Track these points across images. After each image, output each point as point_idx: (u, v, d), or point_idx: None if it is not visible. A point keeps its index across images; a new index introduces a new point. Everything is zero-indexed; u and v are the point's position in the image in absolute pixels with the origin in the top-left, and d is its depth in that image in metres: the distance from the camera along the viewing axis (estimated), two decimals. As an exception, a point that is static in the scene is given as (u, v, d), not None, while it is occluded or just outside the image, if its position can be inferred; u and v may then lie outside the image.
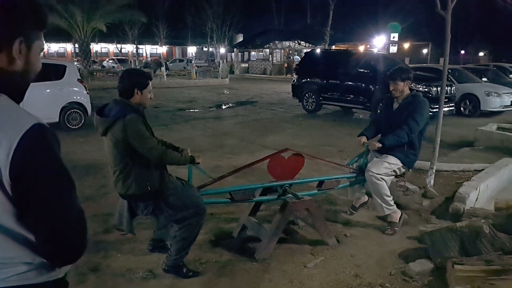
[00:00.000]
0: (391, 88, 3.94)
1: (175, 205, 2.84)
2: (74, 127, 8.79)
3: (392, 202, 3.83)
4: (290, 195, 3.50)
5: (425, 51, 39.58)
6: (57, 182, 1.00)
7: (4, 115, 0.95)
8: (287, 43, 34.45)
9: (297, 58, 33.37)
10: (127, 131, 2.60)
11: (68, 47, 43.22)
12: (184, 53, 53.77)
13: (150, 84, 2.81)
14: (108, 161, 2.82)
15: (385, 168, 3.80)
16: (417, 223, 3.96)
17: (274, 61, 34.71)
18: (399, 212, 3.87)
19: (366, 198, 4.25)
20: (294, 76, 13.35)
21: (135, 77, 2.77)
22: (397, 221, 3.83)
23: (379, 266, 3.23)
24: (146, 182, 2.73)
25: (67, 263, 1.06)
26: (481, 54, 41.45)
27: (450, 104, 10.79)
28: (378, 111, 4.21)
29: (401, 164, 3.86)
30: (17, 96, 1.05)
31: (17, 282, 1.00)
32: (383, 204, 3.78)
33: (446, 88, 6.31)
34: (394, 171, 3.86)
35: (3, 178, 0.92)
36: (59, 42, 40.36)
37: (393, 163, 3.83)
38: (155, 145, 2.71)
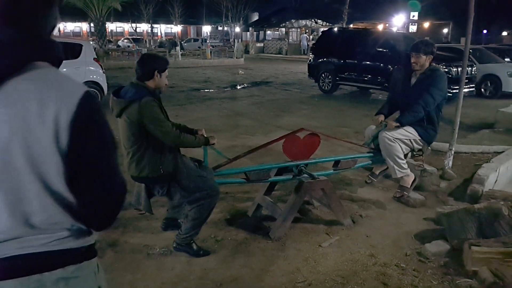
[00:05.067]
0: (412, 60, 3.84)
1: (188, 187, 2.87)
2: (91, 106, 8.85)
3: (405, 166, 3.76)
4: (305, 175, 3.50)
5: (445, 30, 38.45)
6: (108, 147, 1.05)
7: (58, 83, 0.99)
8: (303, 22, 33.80)
9: (304, 36, 32.71)
10: (143, 114, 2.63)
11: (84, 26, 43.35)
12: (198, 32, 53.47)
13: (167, 70, 2.87)
14: (122, 143, 2.85)
15: (399, 134, 3.75)
16: (434, 205, 3.93)
17: (290, 40, 34.17)
18: (412, 176, 3.80)
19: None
20: (311, 55, 13.15)
21: (156, 59, 2.86)
22: (409, 186, 3.78)
23: (395, 246, 3.23)
24: (159, 165, 2.76)
25: (104, 227, 1.11)
26: (504, 33, 40.04)
27: (471, 85, 10.52)
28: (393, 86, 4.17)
29: (418, 137, 3.80)
30: (57, 63, 1.07)
31: (57, 246, 1.03)
32: (395, 166, 3.74)
33: (467, 68, 6.13)
34: (411, 142, 3.78)
35: (62, 143, 0.95)
36: (75, 22, 40.47)
37: (409, 132, 3.78)
38: (170, 129, 2.75)
